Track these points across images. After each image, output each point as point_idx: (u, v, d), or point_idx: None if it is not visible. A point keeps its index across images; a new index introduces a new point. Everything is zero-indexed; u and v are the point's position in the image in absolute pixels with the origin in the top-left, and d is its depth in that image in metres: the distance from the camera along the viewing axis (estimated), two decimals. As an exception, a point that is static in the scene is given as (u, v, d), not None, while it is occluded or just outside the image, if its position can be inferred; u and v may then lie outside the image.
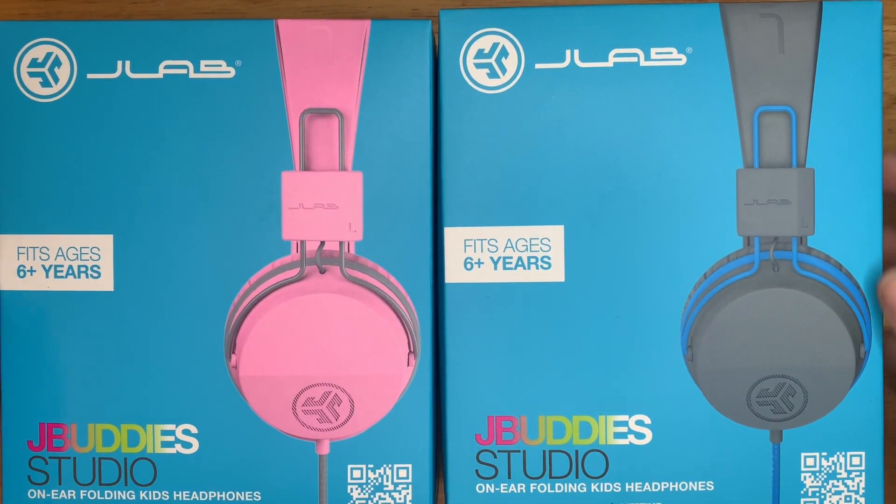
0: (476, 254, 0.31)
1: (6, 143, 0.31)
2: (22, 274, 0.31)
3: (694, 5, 0.31)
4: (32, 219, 0.31)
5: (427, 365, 0.31)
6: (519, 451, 0.31)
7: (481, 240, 0.31)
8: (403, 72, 0.31)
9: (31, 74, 0.31)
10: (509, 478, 0.31)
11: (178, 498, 0.31)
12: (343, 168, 0.31)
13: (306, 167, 0.31)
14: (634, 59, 0.30)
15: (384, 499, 0.31)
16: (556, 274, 0.31)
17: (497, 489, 0.32)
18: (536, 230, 0.31)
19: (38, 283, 0.31)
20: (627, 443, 0.31)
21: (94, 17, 0.38)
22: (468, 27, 0.31)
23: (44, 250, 0.31)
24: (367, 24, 0.31)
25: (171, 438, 0.31)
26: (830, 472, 0.31)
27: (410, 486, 0.31)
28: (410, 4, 0.38)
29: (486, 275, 0.31)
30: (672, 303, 0.31)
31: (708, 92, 0.30)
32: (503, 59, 0.31)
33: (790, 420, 0.31)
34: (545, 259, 0.31)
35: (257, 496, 0.31)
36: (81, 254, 0.31)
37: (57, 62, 0.31)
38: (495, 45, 0.31)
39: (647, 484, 0.31)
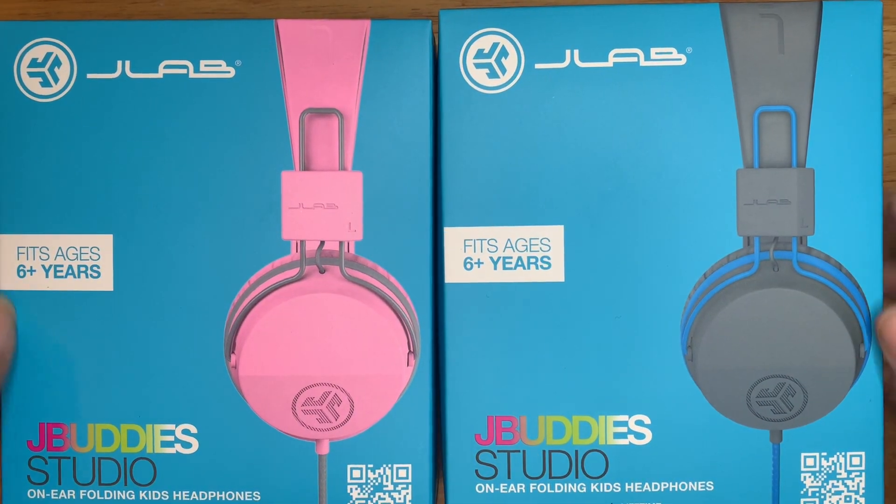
0: (476, 254, 0.31)
1: (6, 143, 0.31)
2: (22, 274, 0.31)
3: (694, 5, 0.31)
4: (32, 219, 0.31)
5: (427, 365, 0.31)
6: (519, 451, 0.31)
7: (481, 240, 0.31)
8: (403, 72, 0.31)
9: (31, 74, 0.31)
10: (509, 478, 0.31)
11: (177, 498, 0.31)
12: (343, 168, 0.31)
13: (306, 167, 0.31)
14: (634, 59, 0.30)
15: (384, 499, 0.31)
16: (556, 274, 0.31)
17: (497, 489, 0.32)
18: (536, 230, 0.31)
19: (38, 283, 0.31)
20: (627, 443, 0.31)
21: (94, 17, 0.38)
22: (468, 27, 0.31)
23: (44, 250, 0.31)
24: (367, 24, 0.31)
25: (170, 438, 0.31)
26: (830, 472, 0.31)
27: (410, 486, 0.31)
28: (410, 4, 0.38)
29: (486, 275, 0.31)
30: (672, 303, 0.31)
31: (708, 92, 0.30)
32: (503, 59, 0.31)
33: (790, 420, 0.31)
34: (545, 259, 0.31)
35: (257, 496, 0.31)
36: (81, 254, 0.31)
37: (57, 62, 0.31)
38: (495, 45, 0.31)
39: (646, 484, 0.31)
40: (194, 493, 0.31)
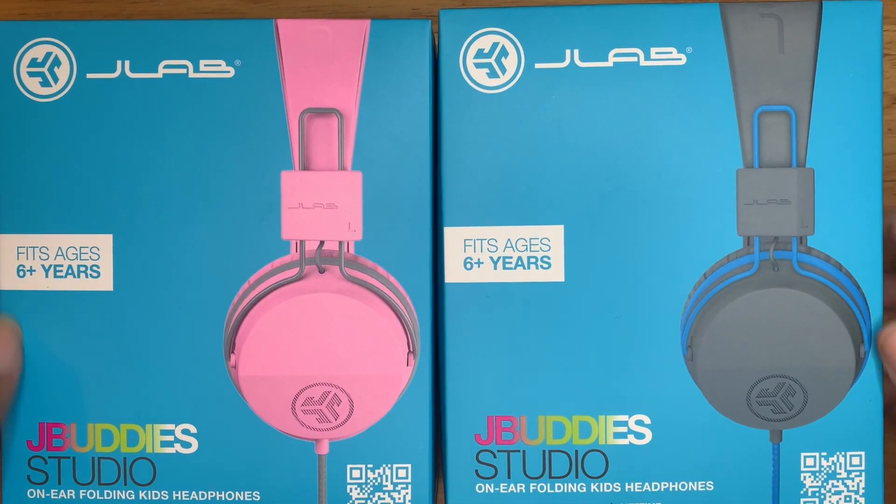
0: (476, 254, 0.31)
1: (6, 143, 0.31)
2: (21, 274, 0.31)
3: (694, 5, 0.30)
4: (32, 219, 0.31)
5: (427, 365, 0.31)
6: (519, 451, 0.31)
7: (481, 240, 0.31)
8: (403, 72, 0.31)
9: (31, 74, 0.31)
10: (509, 478, 0.31)
11: (177, 498, 0.31)
12: (342, 168, 0.31)
13: (306, 167, 0.31)
14: (634, 59, 0.30)
15: (383, 499, 0.31)
16: (556, 274, 0.31)
17: (497, 489, 0.32)
18: (536, 230, 0.31)
19: (38, 282, 0.31)
20: (627, 443, 0.31)
21: (93, 17, 0.38)
22: (468, 27, 0.31)
23: (43, 250, 0.31)
24: (366, 23, 0.31)
25: (170, 438, 0.31)
26: (830, 472, 0.31)
27: (410, 486, 0.31)
28: (410, 4, 0.38)
29: (486, 275, 0.31)
30: (672, 303, 0.31)
31: (708, 92, 0.30)
32: (503, 59, 0.31)
33: (790, 420, 0.31)
34: (545, 259, 0.31)
35: (256, 496, 0.31)
36: (81, 254, 0.31)
37: (57, 62, 0.31)
38: (495, 45, 0.31)
39: (646, 484, 0.31)
40: (194, 493, 0.31)
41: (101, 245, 0.31)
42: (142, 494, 0.31)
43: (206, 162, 0.31)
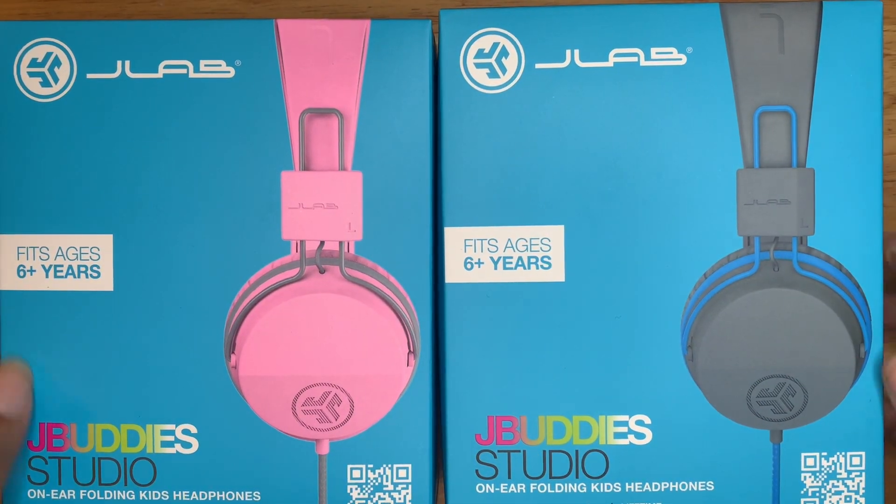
0: (476, 254, 0.31)
1: (6, 143, 0.31)
2: (22, 274, 0.31)
3: (694, 5, 0.30)
4: (32, 219, 0.31)
5: (427, 365, 0.31)
6: (519, 451, 0.31)
7: (481, 240, 0.31)
8: (403, 72, 0.31)
9: (31, 74, 0.31)
10: (509, 478, 0.31)
11: (177, 498, 0.31)
12: (343, 168, 0.31)
13: (306, 167, 0.31)
14: (634, 59, 0.30)
15: (384, 499, 0.31)
16: (556, 274, 0.31)
17: (497, 489, 0.32)
18: (536, 230, 0.31)
19: (38, 283, 0.31)
20: (627, 443, 0.31)
21: (94, 17, 0.38)
22: (468, 27, 0.31)
23: (43, 250, 0.31)
24: (366, 23, 0.31)
25: (170, 438, 0.31)
26: (830, 472, 0.31)
27: (410, 486, 0.31)
28: (410, 4, 0.38)
29: (486, 275, 0.31)
30: (672, 303, 0.31)
31: (708, 92, 0.30)
32: (503, 59, 0.31)
33: (790, 420, 0.31)
34: (545, 259, 0.31)
35: (257, 496, 0.31)
36: (81, 254, 0.31)
37: (57, 62, 0.31)
38: (495, 45, 0.31)
39: (647, 484, 0.31)
40: (194, 493, 0.31)
41: (101, 245, 0.31)
42: (142, 495, 0.31)
43: (206, 162, 0.31)
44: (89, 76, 0.31)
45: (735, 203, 0.30)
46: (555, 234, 0.31)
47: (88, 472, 0.31)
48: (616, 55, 0.30)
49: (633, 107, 0.30)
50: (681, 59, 0.30)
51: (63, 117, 0.31)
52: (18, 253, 0.31)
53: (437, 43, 0.32)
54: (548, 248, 0.31)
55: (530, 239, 0.31)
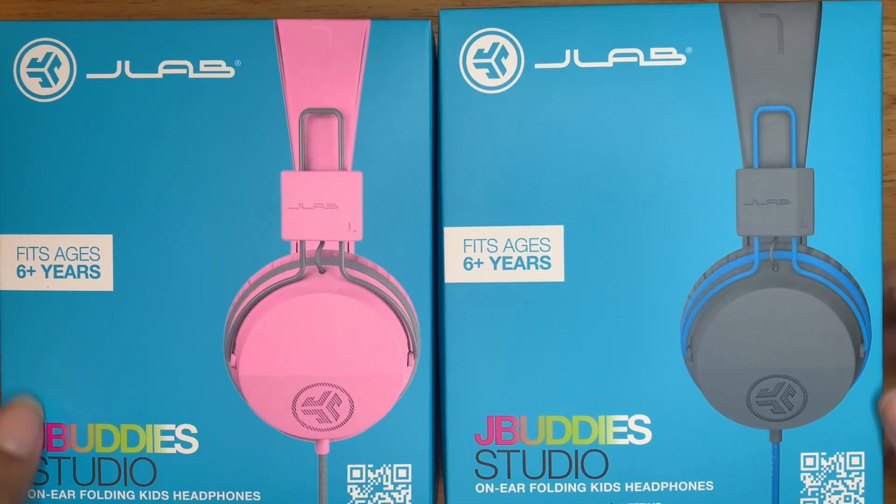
0: (476, 254, 0.31)
1: (6, 143, 0.31)
2: (22, 274, 0.31)
3: (694, 5, 0.31)
4: (32, 219, 0.31)
5: (427, 365, 0.31)
6: (518, 451, 0.31)
7: (481, 240, 0.31)
8: (403, 72, 0.31)
9: (31, 74, 0.31)
10: (509, 478, 0.31)
11: (177, 498, 0.31)
12: (343, 168, 0.31)
13: (306, 167, 0.31)
14: (634, 59, 0.30)
15: (384, 499, 0.31)
16: (556, 274, 0.31)
17: (497, 489, 0.32)
18: (536, 230, 0.31)
19: (38, 283, 0.31)
20: (627, 443, 0.31)
21: (94, 17, 0.38)
22: (468, 27, 0.31)
23: (43, 250, 0.31)
24: (366, 24, 0.31)
25: (170, 438, 0.31)
26: (830, 472, 0.31)
27: (410, 486, 0.31)
28: (410, 4, 0.38)
29: (486, 275, 0.31)
30: (672, 303, 0.31)
31: (708, 92, 0.30)
32: (503, 59, 0.31)
33: (790, 420, 0.31)
34: (545, 259, 0.31)
35: (257, 496, 0.31)
36: (81, 254, 0.31)
37: (56, 62, 0.31)
38: (495, 45, 0.31)
39: (646, 484, 0.31)
40: (194, 493, 0.31)
41: (101, 245, 0.31)
42: (142, 495, 0.31)
43: (206, 162, 0.31)
44: (89, 76, 0.31)
45: (735, 203, 0.30)
46: (554, 235, 0.31)
47: (88, 473, 0.31)
48: (615, 55, 0.30)
49: (632, 107, 0.30)
50: (680, 60, 0.30)
51: (63, 117, 0.31)
52: (18, 253, 0.31)
53: (436, 43, 0.32)
54: (547, 248, 0.31)
55: (530, 239, 0.31)
